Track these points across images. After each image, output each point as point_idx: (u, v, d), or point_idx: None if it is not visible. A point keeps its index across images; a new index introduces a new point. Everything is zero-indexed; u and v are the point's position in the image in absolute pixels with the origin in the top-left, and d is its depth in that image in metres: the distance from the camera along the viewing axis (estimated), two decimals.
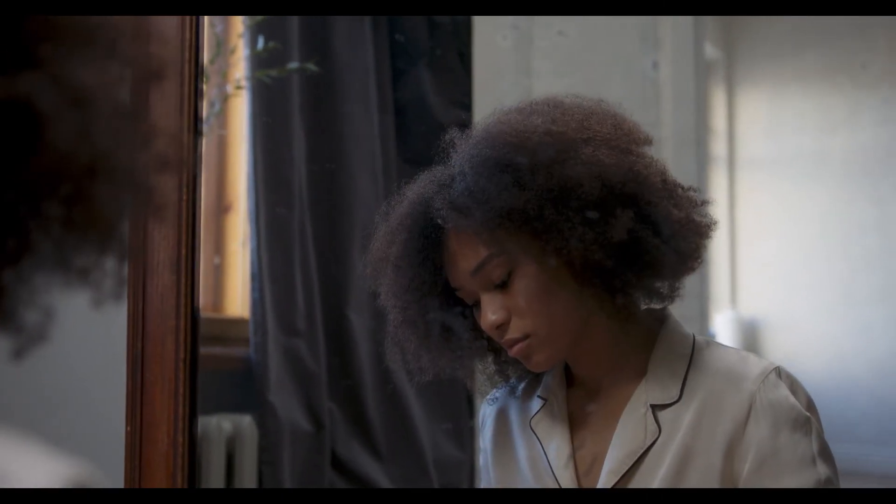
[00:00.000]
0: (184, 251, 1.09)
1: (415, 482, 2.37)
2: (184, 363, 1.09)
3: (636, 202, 1.01)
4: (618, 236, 1.00)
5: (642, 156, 1.05)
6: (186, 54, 1.10)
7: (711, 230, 1.08)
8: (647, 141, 1.07)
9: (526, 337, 1.05)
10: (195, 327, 1.10)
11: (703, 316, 2.89)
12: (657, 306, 1.12)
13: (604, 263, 1.01)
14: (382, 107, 2.54)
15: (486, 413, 1.22)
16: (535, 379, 1.18)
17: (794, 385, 1.05)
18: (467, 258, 1.05)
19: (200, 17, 1.13)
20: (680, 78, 2.61)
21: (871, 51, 3.94)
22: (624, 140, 1.05)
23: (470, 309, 1.10)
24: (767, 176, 4.23)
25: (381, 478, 2.34)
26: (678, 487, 1.03)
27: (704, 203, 1.08)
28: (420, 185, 1.10)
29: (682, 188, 1.07)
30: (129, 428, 1.10)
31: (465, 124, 1.15)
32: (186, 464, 1.09)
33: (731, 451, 1.02)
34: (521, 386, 1.18)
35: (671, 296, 1.08)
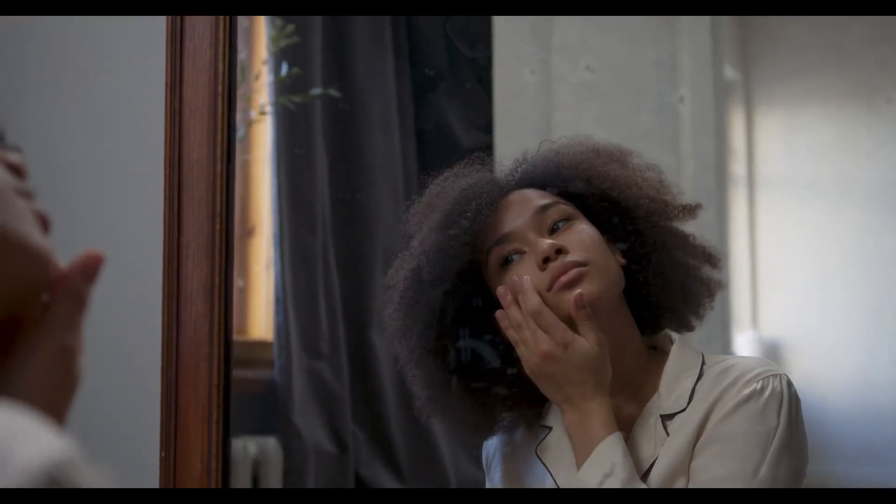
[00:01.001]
0: (217, 280, 1.12)
1: None
2: (217, 388, 1.10)
3: (671, 238, 1.14)
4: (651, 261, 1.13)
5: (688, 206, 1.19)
6: (219, 87, 1.13)
7: (718, 289, 1.17)
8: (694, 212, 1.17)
9: (585, 264, 1.06)
10: (228, 353, 1.12)
11: (724, 337, 2.89)
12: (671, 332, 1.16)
13: (649, 277, 1.13)
14: (404, 130, 2.56)
15: (490, 451, 1.21)
16: (534, 416, 1.17)
17: (785, 396, 1.04)
18: (534, 199, 1.11)
19: (233, 49, 1.16)
20: (699, 102, 2.63)
21: (892, 79, 3.94)
22: (675, 192, 1.18)
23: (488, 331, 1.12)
24: (787, 196, 4.23)
25: None
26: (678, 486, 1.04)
27: (717, 262, 1.17)
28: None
29: (705, 249, 1.16)
30: (163, 453, 1.12)
31: (486, 147, 1.23)
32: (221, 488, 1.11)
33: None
34: (522, 427, 1.18)
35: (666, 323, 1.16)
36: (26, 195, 0.54)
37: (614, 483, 1.00)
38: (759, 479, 1.00)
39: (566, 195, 1.12)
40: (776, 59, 4.13)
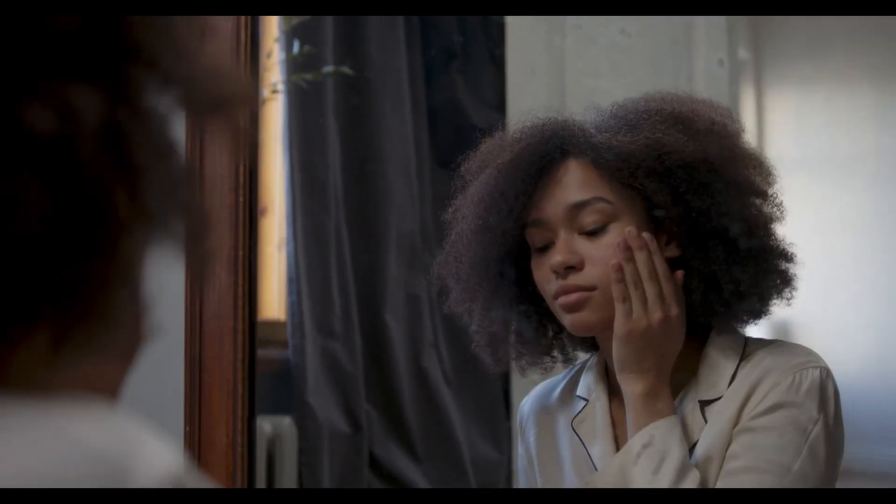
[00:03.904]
0: (240, 252, 1.11)
1: (452, 483, 2.37)
2: (242, 363, 1.09)
3: (756, 231, 1.06)
4: (743, 249, 1.04)
5: (774, 196, 1.09)
6: (241, 58, 1.11)
7: (791, 287, 1.10)
8: (776, 181, 1.10)
9: (592, 289, 1.03)
10: (253, 328, 1.11)
11: None
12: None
13: (714, 267, 1.04)
14: (416, 109, 2.55)
15: (525, 413, 1.20)
16: (571, 381, 1.17)
17: (826, 390, 1.02)
18: (573, 190, 1.05)
19: (257, 23, 1.14)
20: (713, 81, 2.61)
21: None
22: (767, 177, 1.09)
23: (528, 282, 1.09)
24: (798, 176, 4.21)
25: (419, 479, 2.34)
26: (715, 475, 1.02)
27: (793, 258, 1.10)
28: (535, 126, 1.10)
29: (783, 241, 1.10)
30: (188, 428, 1.11)
31: (498, 126, 1.17)
32: (246, 463, 1.10)
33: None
34: (559, 388, 1.18)
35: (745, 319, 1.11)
36: None
37: (670, 465, 0.99)
38: (793, 474, 0.99)
39: (628, 175, 1.03)
40: (786, 39, 4.11)
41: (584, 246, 1.04)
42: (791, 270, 1.09)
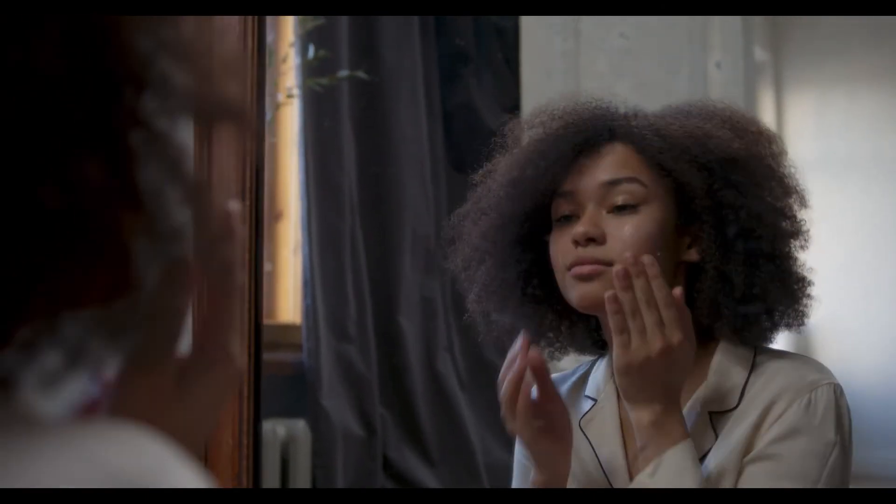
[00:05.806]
0: (246, 255, 1.11)
1: (466, 487, 2.37)
2: (248, 366, 1.10)
3: (782, 249, 1.06)
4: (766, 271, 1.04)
5: (802, 222, 1.09)
6: (249, 62, 1.12)
7: (802, 313, 1.08)
8: (807, 209, 1.10)
9: (608, 264, 1.01)
10: (258, 331, 1.12)
11: None
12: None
13: (730, 268, 1.03)
14: (431, 113, 2.55)
15: None
16: (580, 379, 1.16)
17: (841, 409, 1.02)
18: (609, 168, 1.05)
19: (263, 25, 1.15)
20: (730, 81, 2.60)
21: None
22: (799, 202, 1.09)
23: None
24: (816, 178, 4.17)
25: (433, 482, 2.34)
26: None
27: (810, 284, 1.08)
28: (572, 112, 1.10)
29: (804, 266, 1.08)
30: None
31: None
32: (251, 465, 1.10)
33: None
34: (567, 385, 1.16)
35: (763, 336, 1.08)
36: None
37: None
38: None
39: (668, 166, 1.04)
40: (806, 40, 4.08)
41: (610, 223, 1.03)
42: (804, 296, 1.07)
